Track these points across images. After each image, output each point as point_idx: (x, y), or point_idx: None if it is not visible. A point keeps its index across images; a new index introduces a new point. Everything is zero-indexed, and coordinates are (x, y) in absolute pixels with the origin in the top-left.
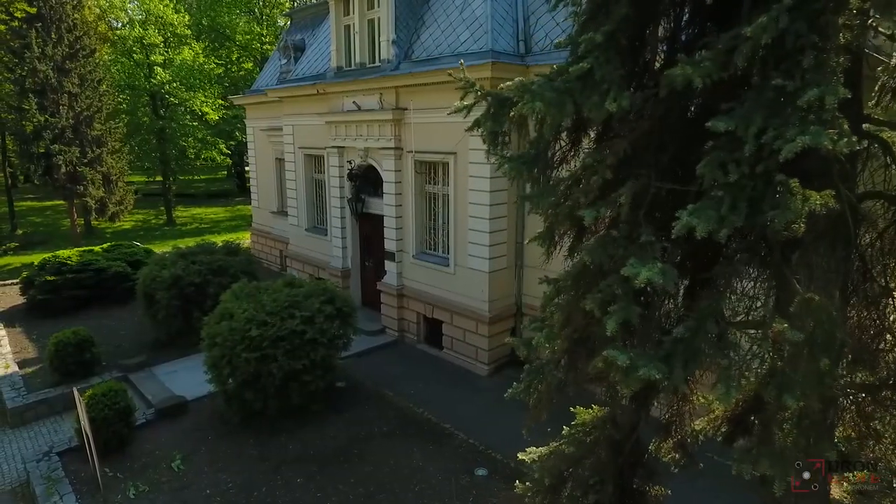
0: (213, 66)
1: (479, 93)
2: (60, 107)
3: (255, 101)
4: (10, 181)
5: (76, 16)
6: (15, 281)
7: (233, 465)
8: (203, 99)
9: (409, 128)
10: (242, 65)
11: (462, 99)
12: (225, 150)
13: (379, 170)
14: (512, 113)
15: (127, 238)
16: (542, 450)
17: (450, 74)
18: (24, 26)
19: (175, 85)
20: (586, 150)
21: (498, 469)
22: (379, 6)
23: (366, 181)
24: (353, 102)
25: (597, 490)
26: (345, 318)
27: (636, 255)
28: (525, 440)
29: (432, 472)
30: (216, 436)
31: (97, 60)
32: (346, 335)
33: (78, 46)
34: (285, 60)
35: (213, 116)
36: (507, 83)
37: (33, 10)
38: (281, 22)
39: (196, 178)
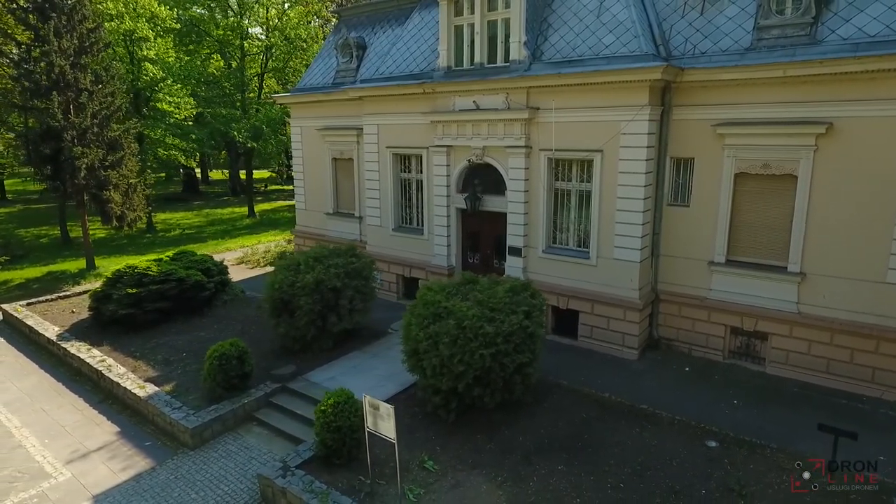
0: (195, 64)
1: None
2: (79, 105)
3: (308, 100)
4: None
5: (88, 3)
6: (52, 297)
7: (481, 460)
8: (172, 97)
9: (546, 127)
10: (213, 62)
11: None
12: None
13: (499, 168)
14: None
15: (108, 247)
16: None
17: None
18: (34, 17)
19: (169, 83)
20: None
21: (724, 440)
22: (508, 7)
23: (479, 179)
24: (473, 102)
25: None
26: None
27: None
28: (723, 413)
29: (671, 447)
30: (438, 434)
31: (112, 56)
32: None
33: (93, 39)
34: (346, 59)
35: (178, 115)
36: None
37: None
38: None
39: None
